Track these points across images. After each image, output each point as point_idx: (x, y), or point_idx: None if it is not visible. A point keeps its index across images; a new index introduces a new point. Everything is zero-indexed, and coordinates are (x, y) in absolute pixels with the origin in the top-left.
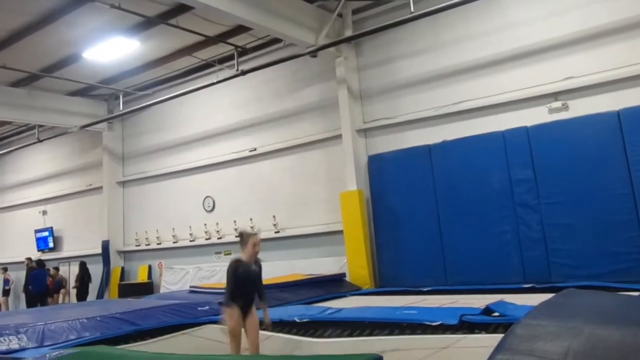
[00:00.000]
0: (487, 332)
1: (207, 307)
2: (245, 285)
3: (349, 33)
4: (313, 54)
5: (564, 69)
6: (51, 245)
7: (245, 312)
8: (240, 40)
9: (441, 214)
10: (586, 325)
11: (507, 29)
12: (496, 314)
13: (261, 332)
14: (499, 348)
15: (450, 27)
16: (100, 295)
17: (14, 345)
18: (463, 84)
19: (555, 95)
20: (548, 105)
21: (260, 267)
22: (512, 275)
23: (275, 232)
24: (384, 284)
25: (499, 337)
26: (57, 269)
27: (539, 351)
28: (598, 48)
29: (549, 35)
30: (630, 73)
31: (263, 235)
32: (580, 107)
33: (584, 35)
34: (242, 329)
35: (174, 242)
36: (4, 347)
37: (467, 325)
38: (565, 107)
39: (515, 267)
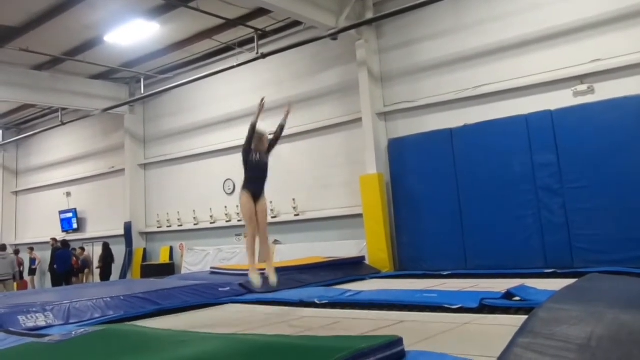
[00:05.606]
0: (509, 314)
1: (227, 288)
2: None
3: (369, 15)
4: (333, 36)
5: (590, 51)
6: (75, 226)
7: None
8: (261, 23)
9: (462, 198)
10: (610, 310)
11: (532, 10)
12: (517, 298)
13: None
14: (521, 331)
15: (473, 8)
16: (123, 275)
17: (41, 322)
18: (485, 66)
19: (581, 79)
20: (573, 89)
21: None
22: (534, 260)
23: (295, 215)
24: (403, 268)
25: (521, 317)
26: (82, 248)
27: (561, 335)
28: (625, 29)
29: (574, 16)
30: None
31: (283, 218)
32: (607, 91)
33: (611, 16)
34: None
35: (194, 224)
36: (31, 324)
37: (487, 309)
38: (591, 90)
39: (537, 251)
